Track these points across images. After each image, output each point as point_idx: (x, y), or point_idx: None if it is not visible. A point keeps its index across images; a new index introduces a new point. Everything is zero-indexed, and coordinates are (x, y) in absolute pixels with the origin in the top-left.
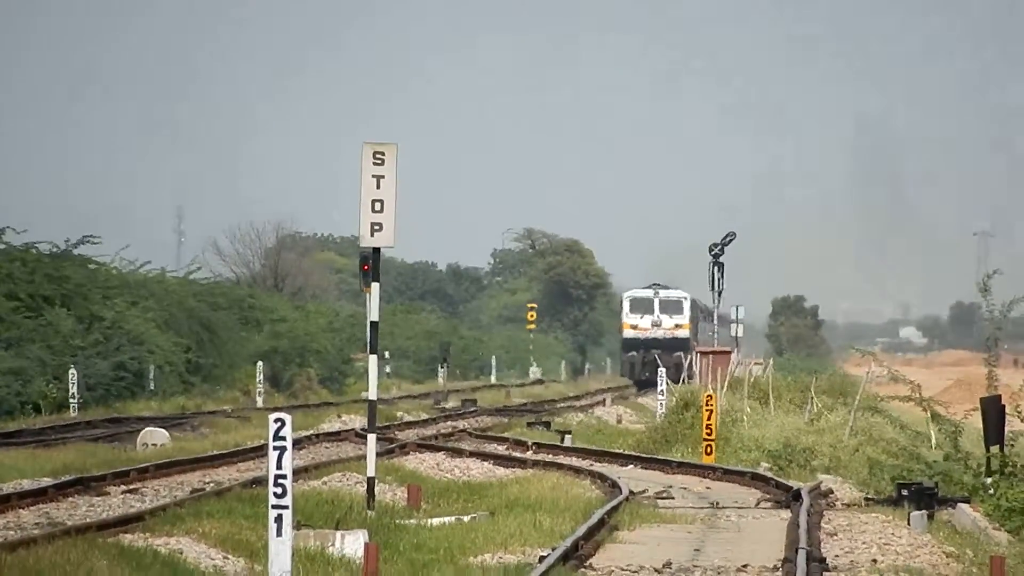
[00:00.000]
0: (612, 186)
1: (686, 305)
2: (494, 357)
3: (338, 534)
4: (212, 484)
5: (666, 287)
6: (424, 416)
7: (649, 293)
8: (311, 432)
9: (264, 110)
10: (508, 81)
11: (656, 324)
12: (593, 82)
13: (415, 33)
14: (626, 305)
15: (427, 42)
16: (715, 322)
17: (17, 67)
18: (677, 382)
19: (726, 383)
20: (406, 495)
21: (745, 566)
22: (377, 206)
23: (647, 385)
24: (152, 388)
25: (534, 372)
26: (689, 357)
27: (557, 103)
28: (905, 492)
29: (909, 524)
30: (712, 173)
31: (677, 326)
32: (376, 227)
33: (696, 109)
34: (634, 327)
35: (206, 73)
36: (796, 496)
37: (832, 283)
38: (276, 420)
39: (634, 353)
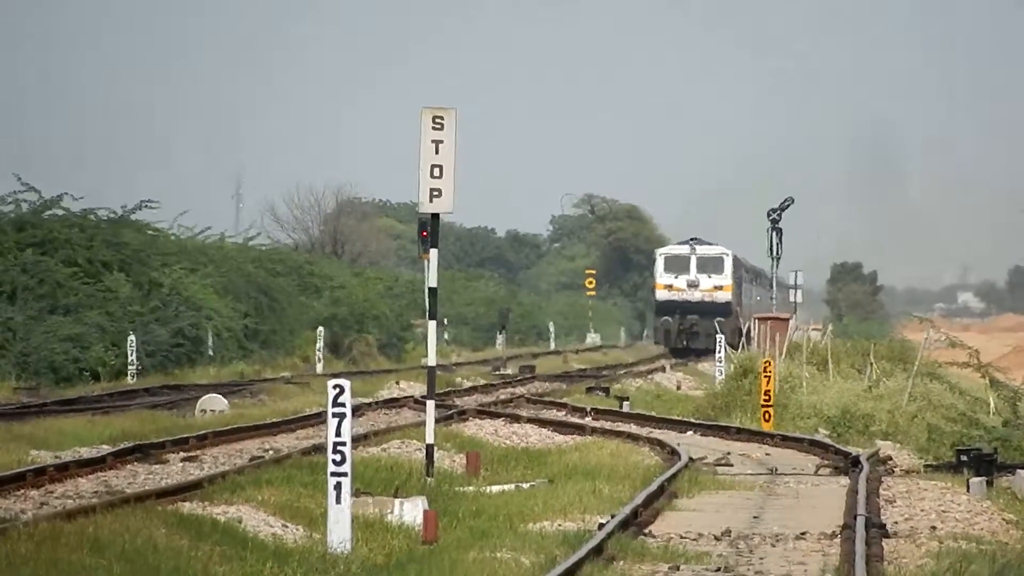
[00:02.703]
0: (672, 152)
1: (727, 263)
2: (552, 323)
3: (397, 501)
4: (271, 451)
5: (706, 242)
6: (483, 382)
7: (685, 249)
8: (370, 399)
9: (322, 74)
10: (569, 45)
11: (693, 284)
12: (653, 48)
13: None
14: (660, 263)
15: (486, 5)
16: (773, 287)
17: (82, 40)
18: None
19: (784, 349)
20: (465, 462)
21: (804, 533)
22: (436, 171)
23: (684, 354)
24: (211, 355)
25: (593, 338)
26: (746, 323)
27: (617, 69)
28: (964, 458)
29: (968, 491)
30: (769, 135)
31: (717, 287)
32: (435, 193)
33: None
34: (668, 287)
35: (263, 40)
36: (855, 463)
37: (890, 248)
38: (335, 387)
39: (668, 318)
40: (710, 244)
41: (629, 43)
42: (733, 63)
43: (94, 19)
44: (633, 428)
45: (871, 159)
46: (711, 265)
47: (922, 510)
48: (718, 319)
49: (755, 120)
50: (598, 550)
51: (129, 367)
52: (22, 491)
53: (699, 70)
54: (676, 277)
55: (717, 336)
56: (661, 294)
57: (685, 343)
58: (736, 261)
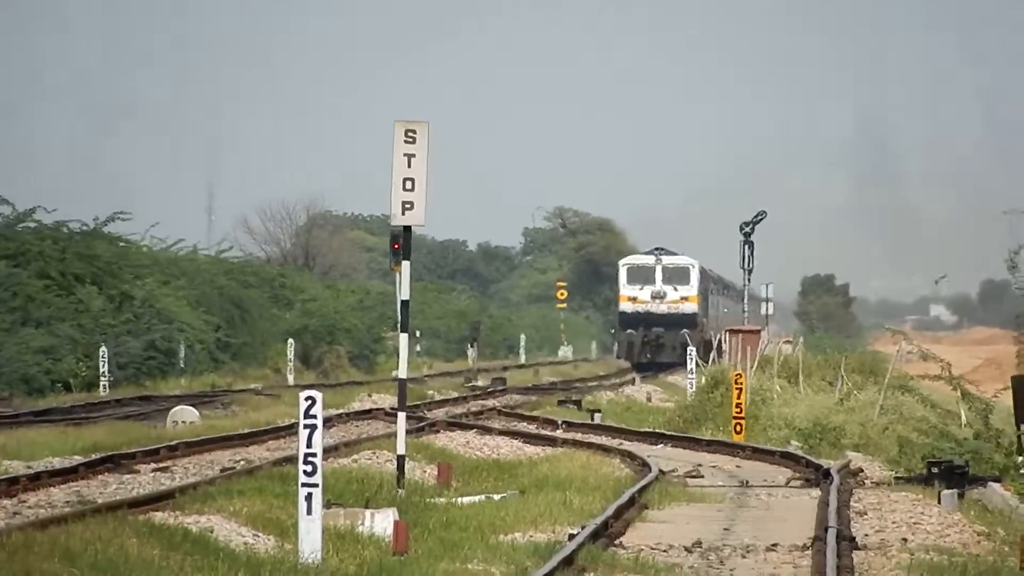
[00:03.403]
0: (647, 164)
1: (693, 274)
2: (523, 336)
3: (368, 512)
4: (242, 462)
5: (671, 252)
6: (454, 395)
7: (650, 260)
8: (341, 410)
9: (294, 88)
10: (540, 57)
11: (658, 296)
12: (625, 57)
13: (447, 8)
14: (623, 274)
15: (458, 19)
16: (745, 300)
17: (51, 48)
18: (683, 363)
19: (756, 362)
20: (436, 473)
21: (775, 545)
22: (408, 184)
23: (648, 369)
24: (183, 366)
25: (564, 351)
26: (716, 336)
27: (589, 80)
28: (935, 471)
29: (939, 503)
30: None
31: (683, 299)
32: (407, 206)
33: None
34: (632, 300)
35: (236, 51)
36: (826, 475)
37: (862, 261)
38: (307, 398)
39: (632, 331)
40: (676, 254)
41: (602, 55)
42: (710, 77)
43: (62, 29)
44: (604, 440)
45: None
46: (677, 276)
47: (893, 522)
48: (684, 331)
49: (720, 138)
50: (568, 561)
51: (101, 378)
52: None
53: (675, 81)
54: (640, 288)
55: (688, 348)
56: (625, 306)
57: (649, 356)
58: (703, 272)
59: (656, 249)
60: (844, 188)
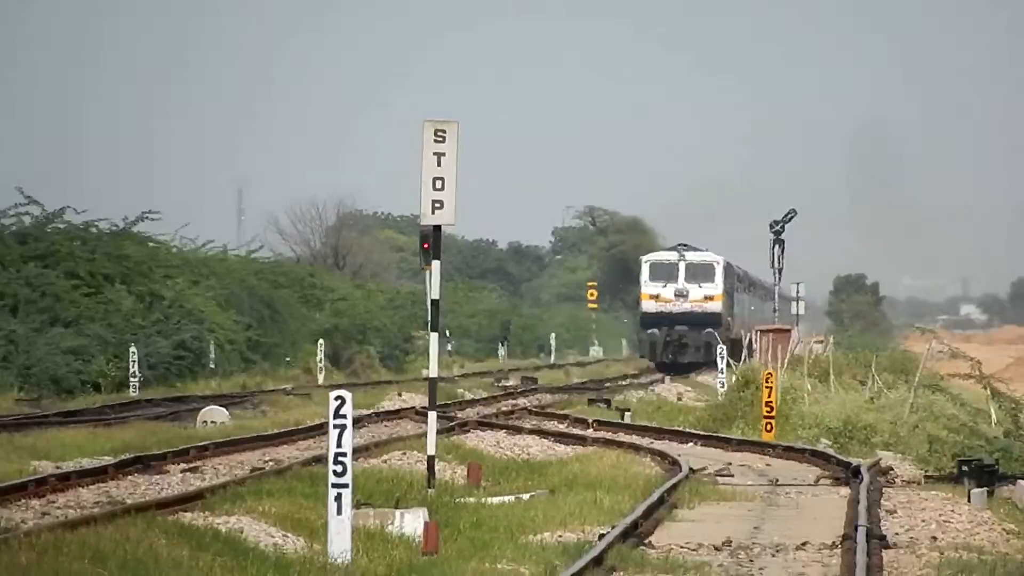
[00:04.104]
0: (676, 161)
1: (718, 271)
2: (554, 336)
3: (398, 512)
4: (272, 463)
5: (695, 248)
6: (484, 394)
7: (673, 256)
8: (371, 410)
9: (325, 87)
10: (570, 56)
11: (681, 294)
12: (652, 56)
13: (477, 6)
14: (645, 271)
15: (489, 17)
16: (775, 299)
17: (84, 54)
18: (706, 364)
19: (786, 361)
20: (466, 473)
21: (805, 543)
22: (438, 184)
23: (671, 370)
24: (212, 367)
25: (595, 351)
26: (746, 335)
27: (617, 79)
28: (965, 469)
29: (969, 501)
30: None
31: (707, 297)
32: (437, 205)
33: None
34: (655, 298)
35: (264, 53)
36: (856, 473)
37: (893, 260)
38: (336, 398)
39: (655, 331)
40: (700, 250)
41: (632, 54)
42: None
43: (96, 32)
44: (634, 439)
45: (871, 167)
46: (701, 273)
47: (923, 521)
48: (708, 330)
49: (755, 131)
50: (598, 561)
51: (131, 379)
52: (23, 501)
53: (707, 77)
54: (663, 286)
55: (719, 347)
56: (647, 305)
57: (672, 357)
58: (728, 268)
59: (679, 245)
60: (875, 186)
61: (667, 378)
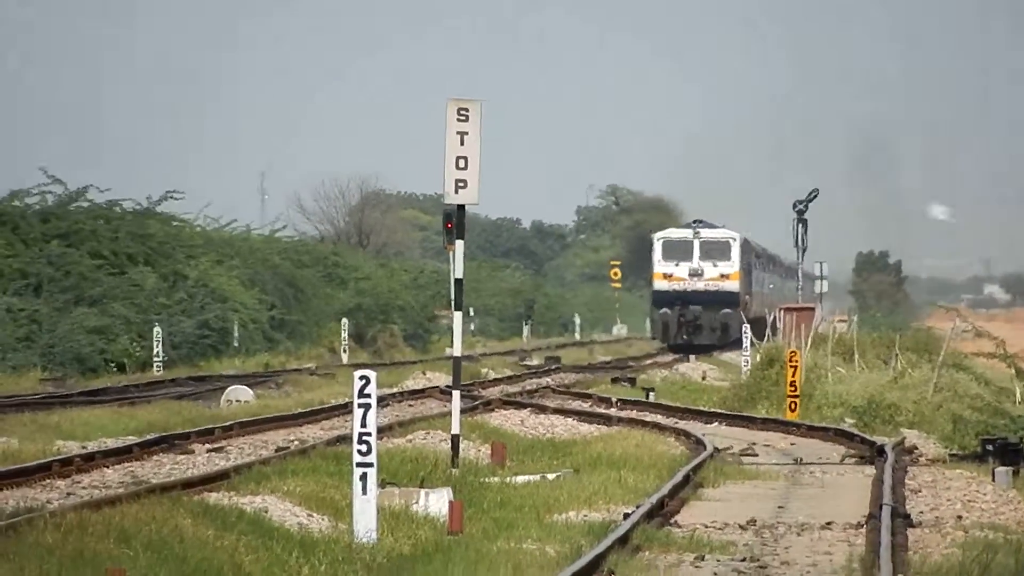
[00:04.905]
0: (701, 142)
1: (734, 248)
2: (577, 315)
3: (422, 492)
4: (297, 442)
5: (710, 224)
6: (508, 373)
7: (687, 233)
8: (395, 389)
9: (347, 65)
10: (593, 33)
11: (696, 273)
12: (679, 31)
13: None
14: (657, 248)
15: None
16: (799, 278)
17: (108, 34)
18: (722, 346)
19: (810, 340)
20: (490, 452)
21: (830, 523)
22: (461, 163)
23: (686, 351)
24: (236, 346)
25: (618, 330)
26: (770, 314)
27: (640, 55)
28: (990, 448)
29: (994, 480)
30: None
31: (723, 276)
32: (460, 184)
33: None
34: (668, 276)
35: (287, 32)
36: (880, 452)
37: (915, 239)
38: (361, 377)
39: (667, 310)
40: (715, 227)
41: (652, 34)
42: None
43: (123, 13)
44: (659, 418)
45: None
46: (716, 250)
47: (947, 500)
48: (725, 311)
49: (781, 112)
50: (623, 540)
51: (155, 358)
52: (48, 481)
53: (734, 55)
54: (676, 265)
55: (744, 327)
56: (659, 284)
57: (686, 338)
58: (745, 245)
59: (694, 222)
60: (895, 164)
61: (692, 357)
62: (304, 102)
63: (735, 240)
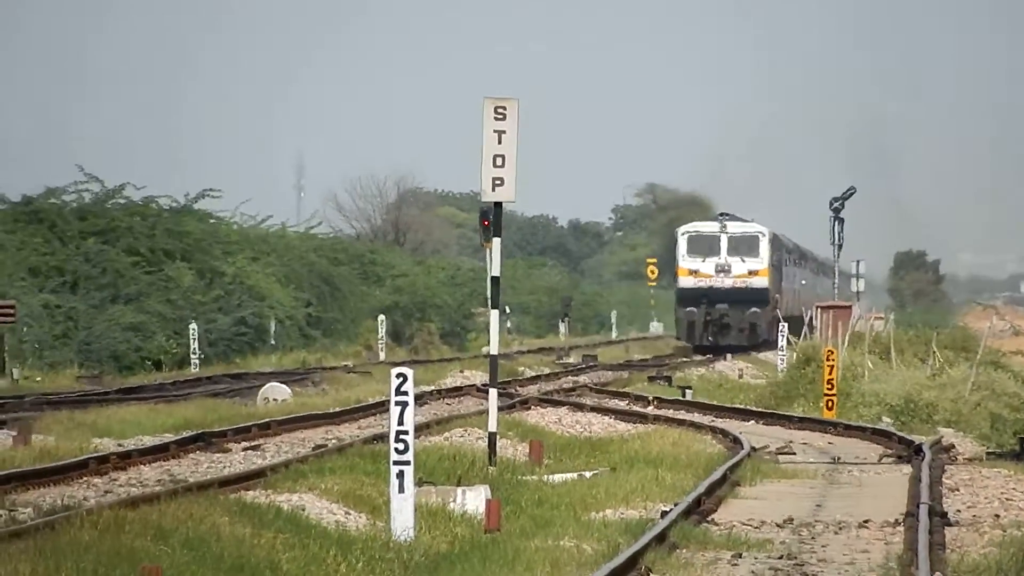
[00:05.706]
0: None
1: (763, 243)
2: (614, 312)
3: (460, 490)
4: (334, 440)
5: (738, 218)
6: (545, 371)
7: (714, 227)
8: (433, 387)
9: (384, 63)
10: (628, 31)
11: (723, 269)
12: (715, 28)
13: None
14: (682, 244)
15: None
16: (835, 276)
17: (142, 28)
18: (753, 347)
19: (847, 338)
20: (528, 450)
21: (867, 521)
22: (498, 161)
23: (712, 352)
24: (273, 343)
25: (656, 328)
26: (808, 312)
27: (681, 55)
28: None
29: None
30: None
31: (751, 272)
32: (497, 182)
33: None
34: (693, 273)
35: (325, 28)
36: (917, 451)
37: (953, 236)
38: (398, 375)
39: (693, 309)
40: (744, 220)
41: (687, 32)
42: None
43: (158, 10)
44: (695, 417)
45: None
46: (744, 245)
47: (985, 498)
48: (753, 309)
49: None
50: (661, 538)
51: (191, 356)
52: (85, 479)
53: (765, 54)
54: (703, 260)
55: (781, 325)
56: (684, 280)
57: (712, 339)
58: (775, 240)
59: (721, 215)
60: (935, 158)
61: (728, 355)
62: (341, 99)
63: (764, 235)
